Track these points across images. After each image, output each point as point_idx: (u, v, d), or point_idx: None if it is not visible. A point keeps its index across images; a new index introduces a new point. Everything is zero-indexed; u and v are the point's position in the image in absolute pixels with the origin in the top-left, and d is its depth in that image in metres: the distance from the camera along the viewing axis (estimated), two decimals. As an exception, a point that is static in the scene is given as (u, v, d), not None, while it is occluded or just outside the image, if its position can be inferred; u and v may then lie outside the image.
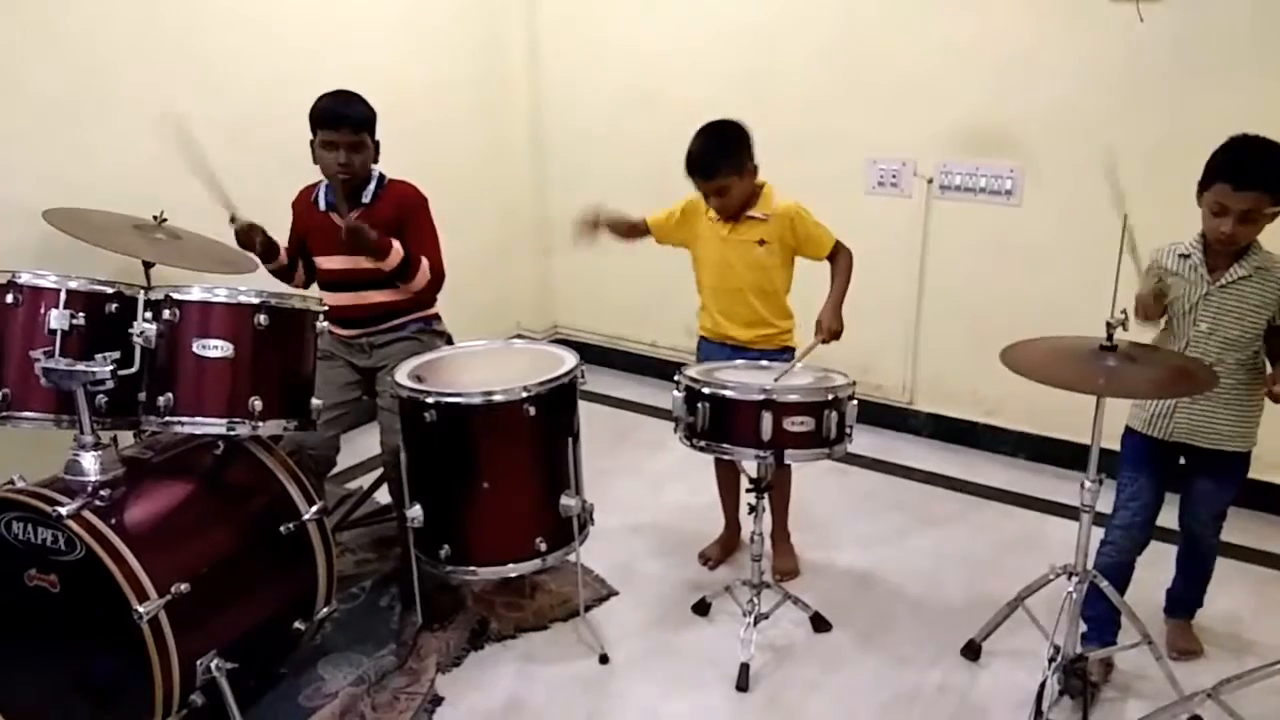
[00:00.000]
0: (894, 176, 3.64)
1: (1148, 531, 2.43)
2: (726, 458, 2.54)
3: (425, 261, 2.77)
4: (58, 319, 2.16)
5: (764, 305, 2.71)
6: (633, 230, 2.82)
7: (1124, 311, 2.18)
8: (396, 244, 2.71)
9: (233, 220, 2.64)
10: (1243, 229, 2.20)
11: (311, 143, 2.73)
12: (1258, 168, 2.16)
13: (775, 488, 2.66)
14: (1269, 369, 2.30)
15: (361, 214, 2.73)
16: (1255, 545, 3.03)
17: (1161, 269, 2.33)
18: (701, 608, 2.76)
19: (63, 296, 2.18)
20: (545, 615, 2.75)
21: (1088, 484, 2.21)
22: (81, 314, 2.19)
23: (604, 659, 2.58)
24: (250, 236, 2.68)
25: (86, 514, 2.01)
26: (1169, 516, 2.48)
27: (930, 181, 3.57)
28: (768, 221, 2.64)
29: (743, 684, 2.46)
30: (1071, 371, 2.09)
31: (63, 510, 1.97)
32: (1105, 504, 2.36)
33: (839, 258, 2.70)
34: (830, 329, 2.60)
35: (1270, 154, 2.17)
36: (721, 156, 2.58)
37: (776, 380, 2.41)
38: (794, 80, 3.68)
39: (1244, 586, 2.84)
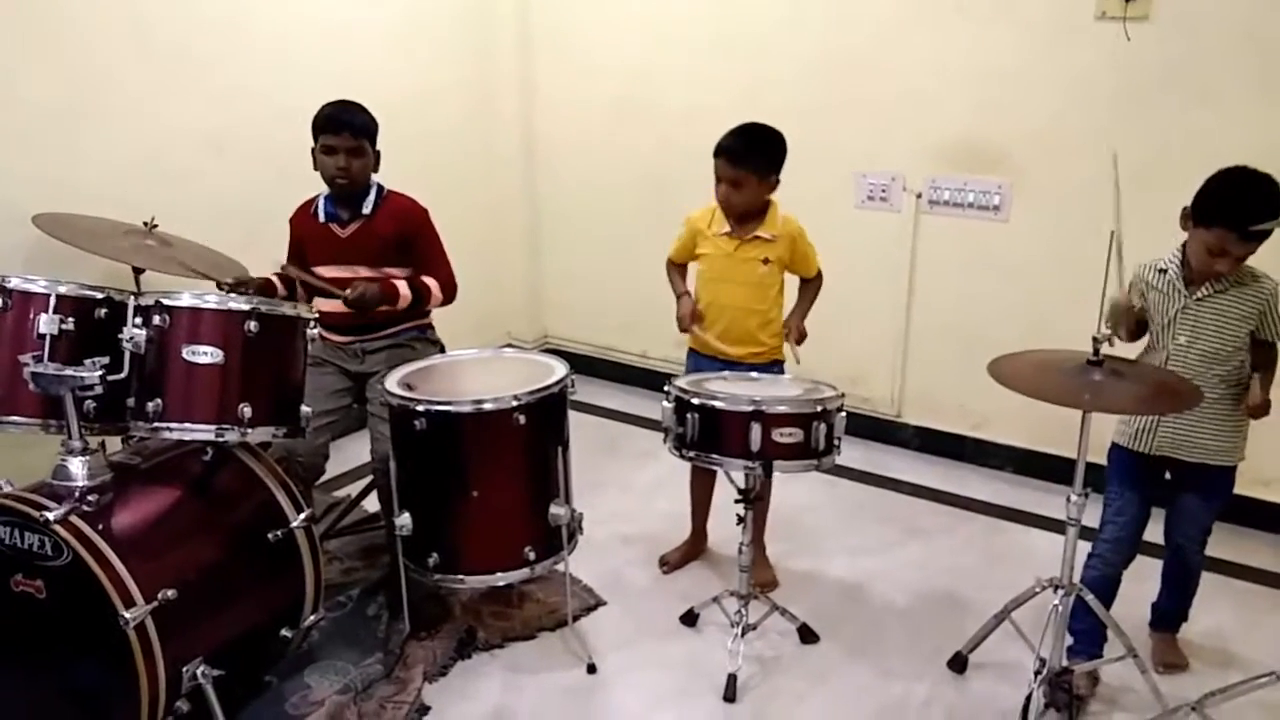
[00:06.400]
0: (883, 191, 3.66)
1: (1134, 546, 2.45)
2: (715, 468, 2.56)
3: (434, 284, 2.80)
4: (47, 324, 2.15)
5: (757, 323, 2.75)
6: (682, 276, 2.90)
7: (1110, 326, 2.20)
8: (402, 286, 2.73)
9: (220, 286, 2.56)
10: (1236, 267, 2.24)
11: (313, 150, 2.73)
12: (1264, 219, 2.13)
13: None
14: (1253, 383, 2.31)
15: (361, 225, 2.76)
16: (1241, 560, 3.05)
17: (1144, 283, 2.36)
18: (689, 618, 2.77)
19: (52, 301, 2.17)
20: (533, 625, 2.74)
21: (1074, 498, 2.23)
22: (71, 319, 2.18)
23: (591, 669, 2.58)
24: (241, 294, 2.56)
25: (74, 519, 2.00)
26: (1155, 531, 2.50)
27: (919, 196, 3.59)
28: (774, 242, 2.71)
29: (730, 695, 2.46)
30: (1057, 386, 2.10)
31: (50, 515, 1.96)
32: (1091, 517, 2.38)
33: (814, 279, 2.85)
34: (800, 331, 2.76)
35: (1274, 203, 2.14)
36: (757, 151, 2.66)
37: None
38: (785, 93, 3.70)
39: (1229, 601, 2.86)
